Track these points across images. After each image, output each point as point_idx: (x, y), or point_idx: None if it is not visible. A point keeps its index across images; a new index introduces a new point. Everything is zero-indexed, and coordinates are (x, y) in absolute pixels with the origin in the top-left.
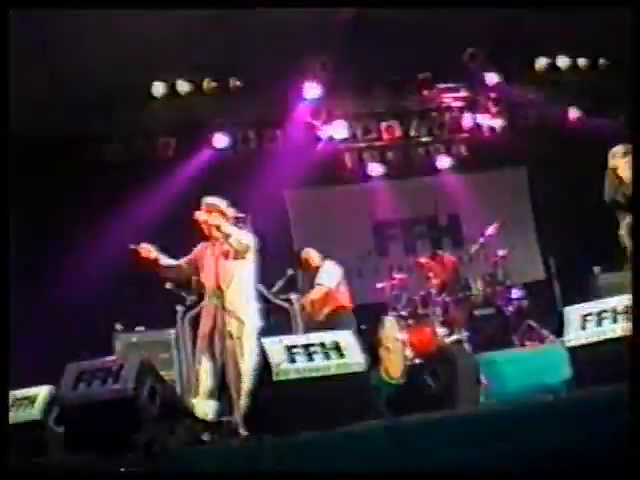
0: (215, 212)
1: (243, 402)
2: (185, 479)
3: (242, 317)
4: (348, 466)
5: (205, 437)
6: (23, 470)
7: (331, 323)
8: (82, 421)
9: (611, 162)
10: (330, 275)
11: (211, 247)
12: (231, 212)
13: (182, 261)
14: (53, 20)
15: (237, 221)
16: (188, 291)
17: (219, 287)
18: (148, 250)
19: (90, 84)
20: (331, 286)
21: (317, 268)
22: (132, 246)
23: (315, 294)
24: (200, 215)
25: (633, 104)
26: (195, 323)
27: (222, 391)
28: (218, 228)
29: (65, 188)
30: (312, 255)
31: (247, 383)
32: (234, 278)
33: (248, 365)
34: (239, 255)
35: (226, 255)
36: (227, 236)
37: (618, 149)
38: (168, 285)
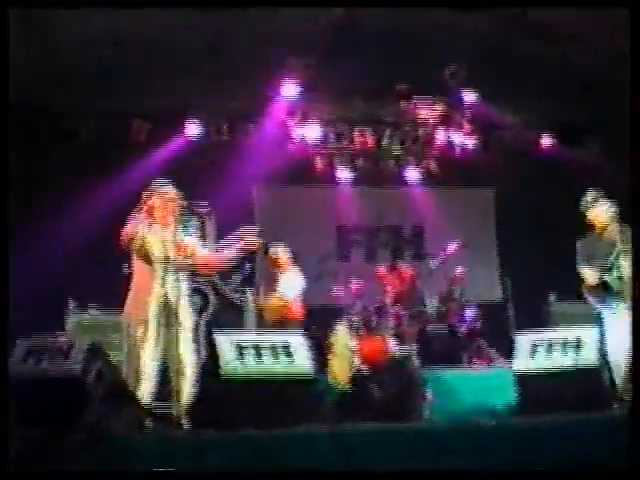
0: (169, 200)
1: (188, 394)
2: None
3: (189, 308)
4: (286, 467)
5: (148, 424)
6: None
7: (279, 328)
8: (29, 396)
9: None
10: (292, 287)
11: (159, 233)
12: (184, 201)
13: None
14: None
15: (198, 212)
16: None
17: (174, 276)
18: None
19: (73, 59)
20: (290, 298)
21: (281, 269)
22: None
23: (272, 303)
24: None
25: (633, 104)
26: None
27: (166, 380)
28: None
29: (34, 162)
30: (280, 254)
31: (193, 376)
32: (184, 270)
33: (195, 357)
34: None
35: (179, 248)
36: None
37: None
38: (125, 269)
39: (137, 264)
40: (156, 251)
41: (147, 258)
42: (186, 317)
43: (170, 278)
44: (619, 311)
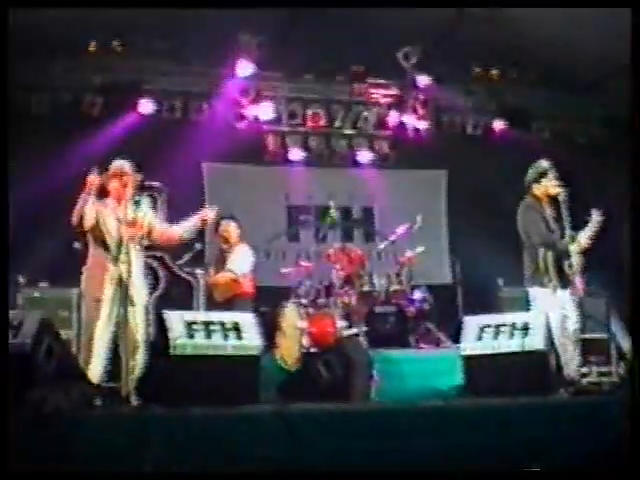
0: (124, 177)
1: (137, 371)
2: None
3: (143, 286)
4: (232, 446)
5: (97, 401)
6: None
7: (229, 305)
8: None
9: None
10: (242, 263)
11: (112, 210)
12: (138, 178)
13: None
14: None
15: (150, 189)
16: None
17: (127, 254)
18: None
19: (26, 32)
20: (240, 274)
21: (231, 245)
22: None
23: (222, 278)
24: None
25: (633, 105)
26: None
27: (116, 357)
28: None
29: None
30: (231, 230)
31: (143, 353)
32: (139, 247)
33: (145, 335)
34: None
35: (133, 224)
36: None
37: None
38: (76, 245)
39: (91, 242)
40: (110, 229)
41: (101, 236)
42: (140, 295)
43: (123, 256)
44: (555, 296)
